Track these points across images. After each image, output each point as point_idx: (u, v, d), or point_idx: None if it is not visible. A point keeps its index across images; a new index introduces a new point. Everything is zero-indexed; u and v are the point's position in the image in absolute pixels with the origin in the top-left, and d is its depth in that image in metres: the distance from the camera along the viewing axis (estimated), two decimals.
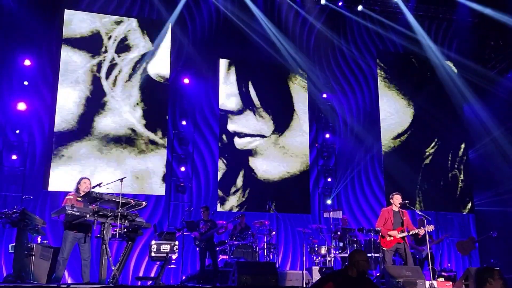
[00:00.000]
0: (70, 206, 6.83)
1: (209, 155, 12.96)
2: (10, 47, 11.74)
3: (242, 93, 13.46)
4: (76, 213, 6.76)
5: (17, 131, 11.50)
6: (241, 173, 12.97)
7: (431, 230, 8.95)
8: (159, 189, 12.32)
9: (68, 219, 6.92)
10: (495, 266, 10.48)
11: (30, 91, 11.75)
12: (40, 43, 12.02)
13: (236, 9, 13.35)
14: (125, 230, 7.00)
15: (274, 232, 10.75)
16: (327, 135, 13.71)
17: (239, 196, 12.85)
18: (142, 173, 12.25)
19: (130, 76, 12.63)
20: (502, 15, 13.32)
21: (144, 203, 7.26)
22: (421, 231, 8.86)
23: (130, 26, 12.92)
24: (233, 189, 12.84)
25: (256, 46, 13.28)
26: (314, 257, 10.64)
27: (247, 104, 13.41)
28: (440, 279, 9.63)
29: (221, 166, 12.89)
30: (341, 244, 10.59)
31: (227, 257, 10.36)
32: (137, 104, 12.57)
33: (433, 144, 14.40)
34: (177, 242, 8.43)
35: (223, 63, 13.49)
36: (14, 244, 7.84)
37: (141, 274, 11.38)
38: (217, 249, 10.27)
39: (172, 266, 9.22)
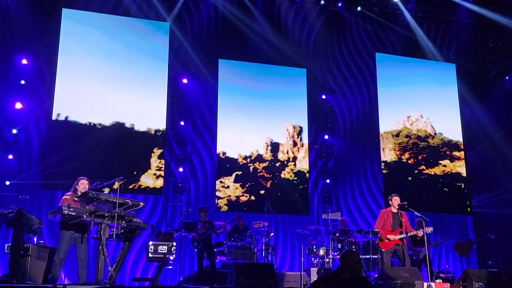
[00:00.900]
0: (67, 206, 6.78)
1: (207, 156, 12.91)
2: (7, 45, 11.68)
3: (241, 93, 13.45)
4: (73, 213, 6.70)
5: (14, 131, 11.42)
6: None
7: (430, 232, 8.94)
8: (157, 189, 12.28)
9: (65, 219, 6.87)
10: (493, 268, 10.52)
11: (27, 90, 11.68)
12: (37, 42, 11.95)
13: (235, 9, 13.32)
14: (122, 230, 6.96)
15: (272, 233, 10.72)
16: (326, 136, 13.67)
17: None
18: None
19: None
20: (501, 17, 13.33)
21: (141, 203, 7.20)
22: (420, 233, 8.86)
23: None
24: None
25: (255, 46, 13.24)
26: (313, 259, 10.61)
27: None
28: (438, 280, 9.62)
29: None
30: (339, 246, 10.56)
31: (225, 258, 10.32)
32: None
33: None
34: (174, 243, 8.39)
35: (222, 63, 13.45)
36: (10, 244, 7.79)
37: (138, 275, 11.32)
38: (215, 250, 10.23)
39: (170, 267, 9.16)
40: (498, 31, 13.84)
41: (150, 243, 8.26)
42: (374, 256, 10.04)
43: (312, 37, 14.13)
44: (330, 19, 14.21)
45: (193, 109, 12.93)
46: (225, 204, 12.69)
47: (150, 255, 8.20)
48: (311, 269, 10.04)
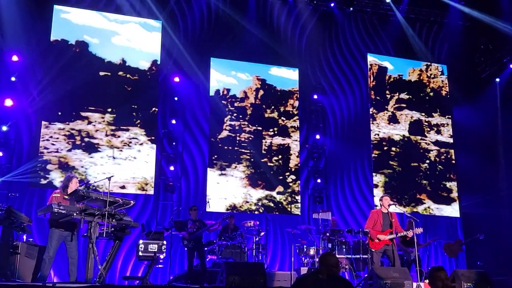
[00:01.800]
0: (57, 204, 6.74)
1: (198, 154, 12.88)
2: None
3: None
4: (63, 211, 6.66)
5: (5, 128, 11.31)
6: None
7: (420, 232, 8.99)
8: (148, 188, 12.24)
9: (55, 217, 6.84)
10: (481, 269, 10.59)
11: (17, 87, 11.59)
12: (29, 38, 11.85)
13: (228, 8, 13.31)
14: (113, 229, 6.93)
15: (263, 233, 10.73)
16: (318, 136, 13.69)
17: None
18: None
19: None
20: (492, 19, 13.42)
21: (132, 202, 7.18)
22: (410, 234, 8.90)
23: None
24: None
25: (247, 45, 13.24)
26: (303, 258, 10.62)
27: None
28: (427, 280, 9.66)
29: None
30: (330, 245, 10.58)
31: (216, 257, 10.31)
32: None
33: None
34: (165, 242, 8.39)
35: (214, 61, 13.43)
36: None
37: (128, 274, 11.28)
38: (206, 249, 10.22)
39: (160, 265, 9.15)
40: (489, 33, 13.94)
41: (141, 241, 8.24)
42: (364, 256, 10.08)
43: (304, 37, 14.15)
44: (322, 19, 14.24)
45: (185, 107, 12.91)
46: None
47: (140, 253, 8.18)
48: (301, 268, 10.06)
